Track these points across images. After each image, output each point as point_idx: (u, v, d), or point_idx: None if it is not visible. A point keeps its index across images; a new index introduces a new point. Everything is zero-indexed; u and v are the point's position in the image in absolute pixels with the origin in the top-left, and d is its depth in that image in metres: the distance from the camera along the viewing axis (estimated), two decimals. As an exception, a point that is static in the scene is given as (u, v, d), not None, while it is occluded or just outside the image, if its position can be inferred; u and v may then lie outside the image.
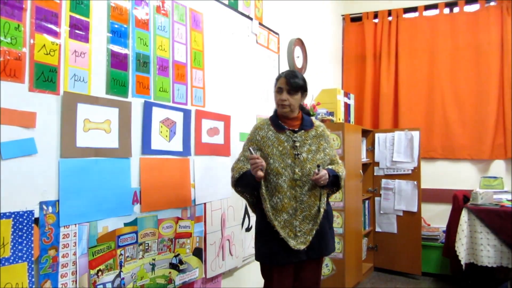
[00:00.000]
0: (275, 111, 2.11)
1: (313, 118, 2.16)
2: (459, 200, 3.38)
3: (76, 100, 1.64)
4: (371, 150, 4.09)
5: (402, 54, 4.36)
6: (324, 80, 4.20)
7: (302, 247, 1.94)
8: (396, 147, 3.94)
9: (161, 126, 2.06)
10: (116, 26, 1.83)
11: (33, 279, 1.46)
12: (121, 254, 1.81)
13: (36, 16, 1.49)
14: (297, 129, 2.04)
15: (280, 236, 1.93)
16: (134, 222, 1.88)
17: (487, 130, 3.99)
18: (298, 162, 1.98)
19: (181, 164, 2.17)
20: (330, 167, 2.06)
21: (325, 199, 2.04)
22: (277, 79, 2.05)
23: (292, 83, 1.98)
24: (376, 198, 4.07)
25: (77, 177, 1.63)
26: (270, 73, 3.10)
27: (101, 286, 1.71)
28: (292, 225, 1.96)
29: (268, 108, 3.05)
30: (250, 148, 1.91)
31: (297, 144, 2.00)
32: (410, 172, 3.89)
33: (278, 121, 2.06)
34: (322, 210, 1.99)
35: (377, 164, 4.05)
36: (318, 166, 1.94)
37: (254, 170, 1.88)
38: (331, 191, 2.15)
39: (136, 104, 1.92)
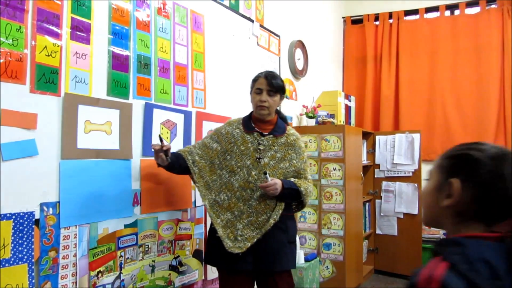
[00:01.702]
0: (251, 112, 2.02)
1: (289, 127, 2.03)
2: (460, 203, 3.37)
3: (77, 102, 1.64)
4: (371, 152, 4.09)
5: (403, 57, 4.37)
6: (325, 82, 4.20)
7: (237, 251, 1.82)
8: (396, 149, 3.94)
9: (162, 128, 2.06)
10: (117, 27, 1.83)
11: (33, 281, 1.46)
12: (121, 256, 1.81)
13: (37, 18, 1.50)
14: (266, 133, 1.95)
15: (216, 234, 1.86)
16: (134, 224, 1.88)
17: (488, 132, 3.99)
18: (257, 166, 1.88)
19: (182, 166, 2.17)
20: (292, 179, 1.91)
21: (280, 211, 1.87)
22: (255, 80, 1.96)
23: (273, 83, 1.90)
24: (377, 200, 4.07)
25: (77, 178, 1.63)
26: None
27: (101, 287, 1.71)
28: (234, 227, 1.86)
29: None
30: (160, 135, 1.82)
31: (261, 147, 1.91)
32: (410, 174, 3.88)
33: (249, 121, 1.98)
34: (272, 221, 1.84)
35: (378, 166, 4.05)
36: (265, 173, 1.80)
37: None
38: (294, 205, 2.00)
39: (137, 106, 1.92)
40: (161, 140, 1.76)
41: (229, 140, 1.95)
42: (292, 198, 1.91)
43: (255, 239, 1.84)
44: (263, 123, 1.96)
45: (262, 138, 1.93)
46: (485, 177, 0.81)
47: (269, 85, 1.90)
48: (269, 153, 1.91)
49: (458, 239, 0.81)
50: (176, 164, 1.91)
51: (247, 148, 1.91)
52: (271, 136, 1.94)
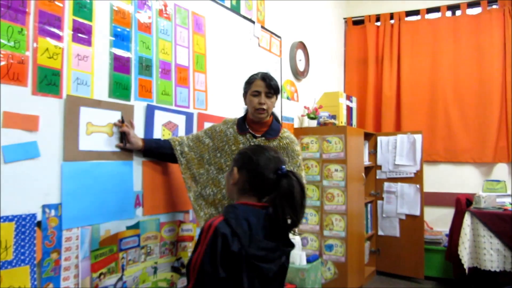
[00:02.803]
0: (246, 113, 1.98)
1: (285, 129, 1.98)
2: (462, 204, 3.37)
3: (79, 104, 1.64)
4: (373, 153, 4.08)
5: (404, 57, 4.36)
6: (326, 83, 4.20)
7: None
8: (398, 150, 3.93)
9: (164, 130, 2.06)
10: (118, 29, 1.83)
11: (35, 282, 1.46)
12: (123, 258, 1.81)
13: (39, 20, 1.50)
14: (259, 135, 1.90)
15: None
16: (136, 226, 1.88)
17: (490, 133, 3.98)
18: None
19: (183, 167, 2.17)
20: None
21: None
22: (251, 82, 1.89)
23: (272, 85, 1.84)
24: (379, 202, 4.06)
25: (79, 180, 1.63)
26: (272, 76, 3.10)
27: (103, 289, 1.71)
28: None
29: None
30: (122, 115, 1.79)
31: None
32: (412, 175, 3.87)
33: (243, 122, 1.94)
34: None
35: (380, 167, 4.04)
36: None
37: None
38: None
39: (139, 108, 1.92)
40: (122, 121, 1.79)
41: (222, 139, 1.95)
42: None
43: None
44: (258, 124, 1.91)
45: (254, 140, 1.89)
46: (252, 169, 1.34)
47: (268, 87, 1.84)
48: None
49: (235, 204, 1.33)
50: (157, 151, 1.92)
51: (238, 148, 1.89)
52: (263, 138, 1.89)
